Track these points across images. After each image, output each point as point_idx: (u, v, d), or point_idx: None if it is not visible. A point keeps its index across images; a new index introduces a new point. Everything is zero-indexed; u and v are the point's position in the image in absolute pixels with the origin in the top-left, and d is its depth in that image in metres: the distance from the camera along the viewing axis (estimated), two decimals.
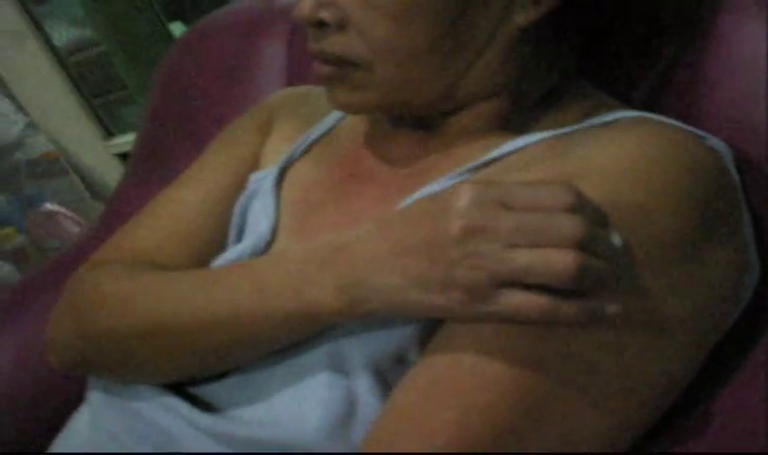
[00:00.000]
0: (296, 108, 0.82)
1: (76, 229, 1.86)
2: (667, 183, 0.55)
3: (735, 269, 0.57)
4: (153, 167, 1.12)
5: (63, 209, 1.87)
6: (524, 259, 0.45)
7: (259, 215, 0.73)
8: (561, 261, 0.45)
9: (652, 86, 0.72)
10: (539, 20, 0.62)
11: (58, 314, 0.72)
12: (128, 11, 1.72)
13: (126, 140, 1.63)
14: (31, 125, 1.85)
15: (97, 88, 1.82)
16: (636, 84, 0.73)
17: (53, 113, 1.67)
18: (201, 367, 0.64)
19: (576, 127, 0.64)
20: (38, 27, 1.63)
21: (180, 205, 0.77)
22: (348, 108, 0.68)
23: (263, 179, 0.76)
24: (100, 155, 1.68)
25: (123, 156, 1.68)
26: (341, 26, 0.62)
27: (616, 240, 0.47)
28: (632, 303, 0.51)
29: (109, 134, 1.68)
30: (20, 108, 1.85)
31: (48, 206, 1.87)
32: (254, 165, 0.79)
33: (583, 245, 0.45)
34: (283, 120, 0.81)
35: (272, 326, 0.58)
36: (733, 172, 0.60)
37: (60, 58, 1.68)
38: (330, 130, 0.78)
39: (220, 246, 0.75)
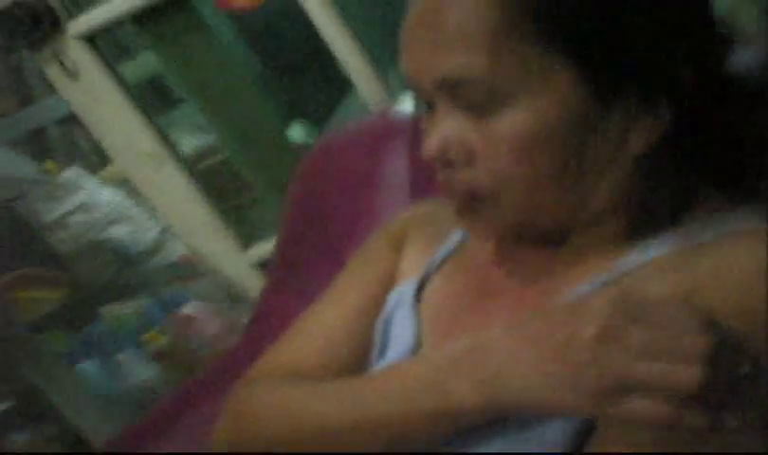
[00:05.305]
0: (426, 224, 0.90)
1: (217, 330, 1.99)
2: None
3: None
4: (291, 279, 1.26)
5: (203, 311, 2.01)
6: (651, 372, 0.53)
7: (401, 330, 0.82)
8: (686, 375, 0.52)
9: None
10: (655, 143, 0.68)
11: (221, 429, 0.84)
12: (249, 115, 1.87)
13: (264, 249, 1.77)
14: (167, 230, 2.02)
15: (225, 195, 1.96)
16: (758, 187, 0.77)
17: (189, 225, 1.83)
18: None
19: (698, 239, 0.68)
20: (168, 141, 1.80)
21: (325, 324, 0.88)
22: (478, 235, 0.77)
23: (401, 296, 0.85)
24: (238, 264, 1.83)
25: (259, 264, 1.82)
26: (468, 161, 0.69)
27: (745, 368, 0.54)
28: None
29: (245, 243, 1.82)
30: (154, 214, 2.03)
31: (189, 307, 2.01)
32: (391, 282, 0.88)
33: (709, 361, 0.52)
34: (415, 237, 0.90)
35: (415, 425, 0.66)
36: None
37: (190, 168, 1.83)
38: (460, 244, 0.85)
39: (363, 363, 0.85)
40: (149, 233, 2.10)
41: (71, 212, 2.06)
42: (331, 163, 1.26)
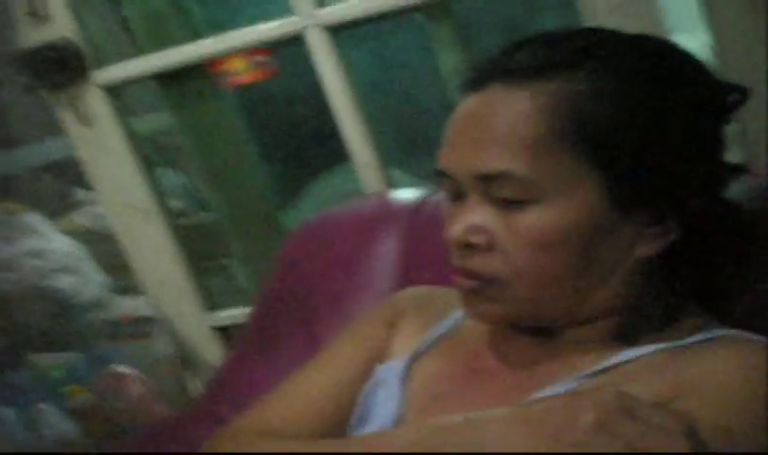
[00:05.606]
0: (420, 306, 0.95)
1: (143, 393, 1.96)
2: (756, 404, 0.67)
3: None
4: (262, 347, 1.27)
5: (133, 372, 1.98)
6: None
7: (384, 404, 0.86)
8: None
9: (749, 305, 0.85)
10: (659, 252, 0.76)
11: None
12: (244, 184, 1.94)
13: (227, 317, 1.81)
14: (111, 286, 2.02)
15: (201, 256, 2.00)
16: (734, 304, 0.86)
17: (159, 280, 1.85)
18: None
19: (682, 343, 0.76)
20: (160, 198, 1.85)
21: (311, 389, 0.91)
22: (483, 318, 0.81)
23: (389, 371, 0.88)
24: (198, 326, 1.84)
25: (219, 329, 1.86)
26: (489, 248, 0.75)
27: None
28: None
29: (209, 306, 1.85)
30: (100, 269, 2.03)
31: (118, 367, 1.99)
32: (380, 357, 0.92)
33: None
34: (409, 317, 0.94)
35: None
36: None
37: (172, 223, 1.87)
38: (454, 328, 0.90)
39: (343, 432, 0.88)
40: (93, 287, 2.09)
41: (22, 255, 2.04)
42: (324, 235, 1.29)
